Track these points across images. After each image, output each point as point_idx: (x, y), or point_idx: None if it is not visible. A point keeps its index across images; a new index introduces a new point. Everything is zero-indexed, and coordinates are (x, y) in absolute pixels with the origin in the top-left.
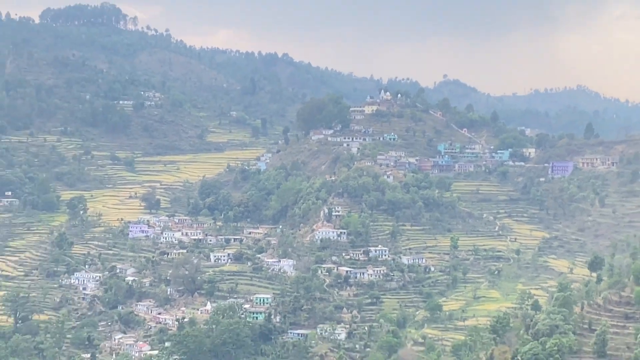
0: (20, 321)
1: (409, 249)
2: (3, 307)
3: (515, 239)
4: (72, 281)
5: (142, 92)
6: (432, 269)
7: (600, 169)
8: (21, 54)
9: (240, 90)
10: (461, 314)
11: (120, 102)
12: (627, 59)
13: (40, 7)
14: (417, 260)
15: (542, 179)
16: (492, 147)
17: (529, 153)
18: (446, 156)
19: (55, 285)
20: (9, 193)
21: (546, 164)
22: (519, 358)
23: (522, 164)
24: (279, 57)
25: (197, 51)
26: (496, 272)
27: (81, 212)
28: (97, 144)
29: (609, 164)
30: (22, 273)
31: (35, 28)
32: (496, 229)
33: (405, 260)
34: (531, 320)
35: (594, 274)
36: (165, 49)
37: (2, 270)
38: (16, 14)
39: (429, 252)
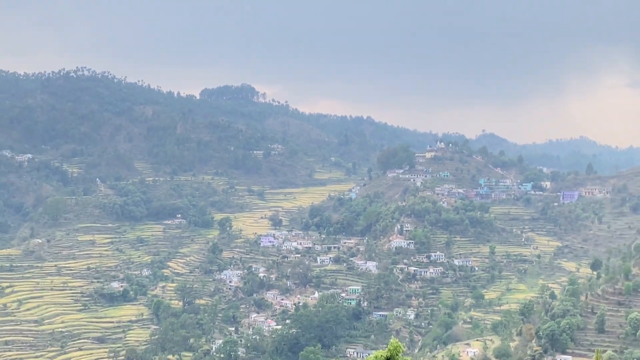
0: (186, 304)
1: (459, 254)
2: (175, 294)
3: (537, 247)
4: (222, 276)
5: (269, 145)
6: (476, 268)
7: (598, 196)
8: (187, 119)
9: (337, 142)
10: (498, 301)
11: (254, 152)
12: (617, 117)
13: (200, 87)
14: (465, 263)
15: (555, 204)
16: (518, 181)
17: (546, 185)
18: (485, 188)
19: (210, 280)
20: (179, 215)
21: (558, 193)
22: (541, 333)
23: (541, 193)
24: (364, 119)
25: (307, 116)
26: (523, 271)
27: (228, 228)
28: (238, 181)
29: (604, 193)
30: (188, 271)
31: (196, 102)
32: (523, 240)
33: (456, 262)
34: (549, 306)
35: (595, 273)
36: (285, 115)
37: (174, 269)
38: (184, 92)
39: (474, 257)
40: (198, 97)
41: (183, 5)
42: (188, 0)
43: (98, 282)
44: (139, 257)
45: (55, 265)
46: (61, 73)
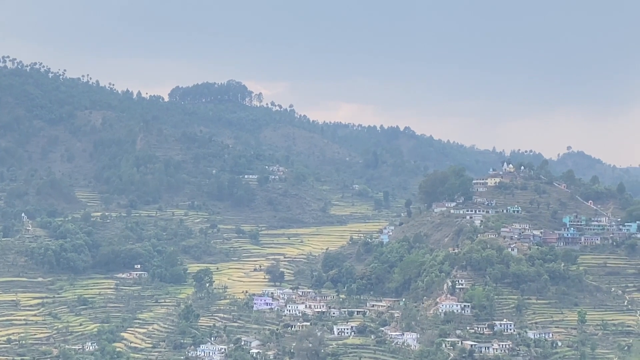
0: None
1: (535, 323)
2: None
3: None
4: (198, 353)
5: (267, 167)
6: (559, 343)
7: None
8: (151, 130)
9: (362, 163)
10: None
11: (246, 176)
12: None
13: (169, 86)
14: (543, 335)
15: None
16: (619, 219)
17: None
18: (572, 229)
19: (182, 358)
20: (138, 266)
21: None
22: None
23: None
24: (401, 130)
25: (320, 126)
26: (626, 348)
27: (207, 284)
28: (222, 217)
29: None
30: (150, 345)
31: (165, 105)
32: (625, 303)
33: (531, 334)
34: None
35: None
36: (289, 124)
37: (131, 343)
38: (147, 93)
39: (556, 327)
40: (167, 99)
41: None
42: None
43: None
44: (80, 325)
45: None
46: None
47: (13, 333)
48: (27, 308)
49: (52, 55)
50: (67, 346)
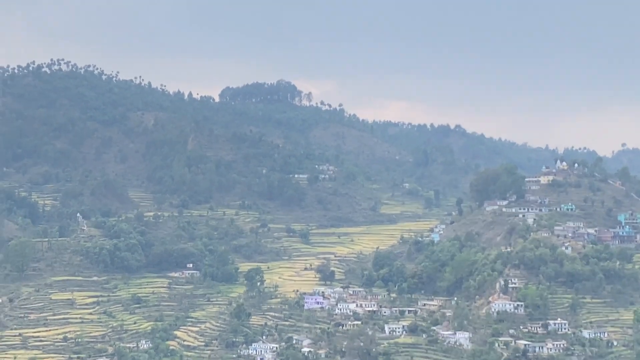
0: None
1: (590, 322)
2: None
3: None
4: (250, 352)
5: (317, 166)
6: (615, 343)
7: None
8: (202, 131)
9: (412, 162)
10: None
11: (296, 175)
12: None
13: (220, 86)
14: (598, 334)
15: None
16: None
17: None
18: (627, 227)
19: (234, 356)
20: (190, 265)
21: None
22: None
23: None
24: (452, 128)
25: (370, 124)
26: None
27: (258, 283)
28: (273, 216)
29: None
30: (203, 343)
31: (215, 106)
32: None
33: (586, 334)
34: None
35: None
36: (339, 123)
37: (184, 341)
38: (197, 94)
39: (611, 326)
40: (217, 100)
41: None
42: None
43: (78, 358)
44: (134, 323)
45: (20, 335)
46: (30, 68)
47: (69, 331)
48: (83, 307)
49: (105, 57)
50: (121, 344)
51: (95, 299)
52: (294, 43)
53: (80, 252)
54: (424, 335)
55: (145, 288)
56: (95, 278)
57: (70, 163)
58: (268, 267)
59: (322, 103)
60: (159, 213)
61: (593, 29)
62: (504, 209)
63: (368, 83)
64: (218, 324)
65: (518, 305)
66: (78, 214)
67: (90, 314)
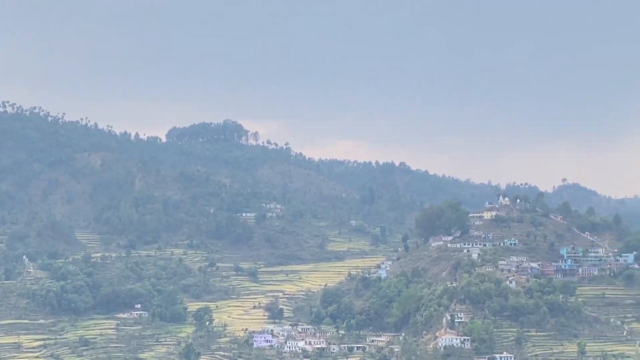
0: None
1: (535, 355)
2: None
3: None
4: None
5: (264, 204)
6: None
7: None
8: (149, 171)
9: (358, 199)
10: None
11: (243, 214)
12: None
13: (166, 127)
14: None
15: None
16: (616, 250)
17: None
18: (569, 260)
19: None
20: (139, 306)
21: None
22: None
23: None
24: (396, 165)
25: (316, 163)
26: None
27: (207, 323)
28: (221, 255)
29: None
30: None
31: (162, 146)
32: (624, 334)
33: None
34: None
35: None
36: (285, 162)
37: None
38: (144, 134)
39: (556, 359)
40: (164, 140)
41: (143, 18)
42: (150, 12)
43: None
44: None
45: None
46: None
47: None
48: (30, 350)
49: (51, 99)
50: None
51: (42, 342)
52: (239, 84)
53: (27, 295)
54: None
55: (93, 330)
56: (42, 321)
57: (16, 205)
58: (217, 306)
59: (268, 142)
60: (107, 254)
61: (533, 67)
62: (449, 245)
63: (313, 122)
64: None
65: (465, 339)
66: (24, 257)
67: (37, 357)
